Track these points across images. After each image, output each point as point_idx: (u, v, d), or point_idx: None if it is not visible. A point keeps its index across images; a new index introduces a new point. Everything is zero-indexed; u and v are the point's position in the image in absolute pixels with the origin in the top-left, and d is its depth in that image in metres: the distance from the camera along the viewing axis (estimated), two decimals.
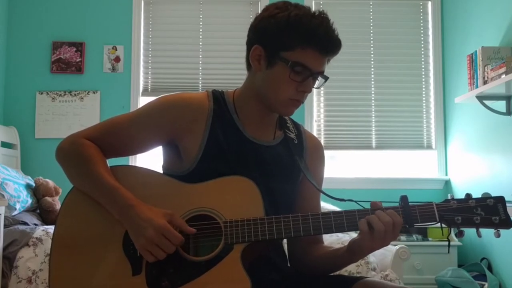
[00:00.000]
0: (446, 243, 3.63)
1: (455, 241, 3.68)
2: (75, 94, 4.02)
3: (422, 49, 4.24)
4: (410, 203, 1.19)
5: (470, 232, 1.21)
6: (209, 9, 4.22)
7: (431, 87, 4.20)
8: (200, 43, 4.19)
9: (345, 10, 4.27)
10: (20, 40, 4.07)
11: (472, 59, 3.30)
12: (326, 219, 1.19)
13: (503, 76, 2.91)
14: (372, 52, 4.23)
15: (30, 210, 3.20)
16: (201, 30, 4.21)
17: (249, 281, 1.16)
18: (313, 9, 1.29)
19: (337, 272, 1.35)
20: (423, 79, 4.23)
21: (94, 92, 4.03)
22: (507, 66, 2.90)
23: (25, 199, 3.14)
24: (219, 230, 1.21)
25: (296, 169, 1.37)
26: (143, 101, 4.03)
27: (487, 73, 3.11)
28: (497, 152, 3.36)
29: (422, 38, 4.24)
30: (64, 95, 4.02)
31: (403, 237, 3.66)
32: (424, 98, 4.22)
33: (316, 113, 4.19)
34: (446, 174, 4.11)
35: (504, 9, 3.27)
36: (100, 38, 4.09)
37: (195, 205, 1.24)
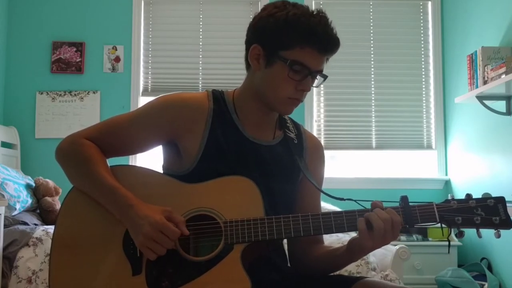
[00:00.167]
0: (446, 243, 3.63)
1: (455, 241, 3.68)
2: (75, 94, 4.02)
3: (422, 49, 4.24)
4: (410, 203, 1.18)
5: (470, 232, 1.21)
6: (209, 9, 4.22)
7: (431, 87, 4.20)
8: (200, 43, 4.19)
9: (345, 10, 4.27)
10: (20, 40, 4.07)
11: (472, 59, 3.30)
12: (326, 219, 1.19)
13: (503, 76, 2.91)
14: (372, 52, 4.23)
15: (30, 210, 3.20)
16: (201, 30, 4.21)
17: (249, 281, 1.16)
18: (312, 9, 1.29)
19: (337, 272, 1.35)
20: (423, 79, 4.23)
21: (94, 92, 4.03)
22: (507, 66, 2.90)
23: (25, 199, 3.14)
24: (219, 230, 1.21)
25: (296, 169, 1.37)
26: (143, 101, 4.03)
27: (487, 73, 3.11)
28: (497, 152, 3.36)
29: (422, 38, 4.25)
30: (64, 95, 4.02)
31: (403, 237, 3.66)
32: (424, 98, 4.22)
33: (316, 113, 4.19)
34: (446, 174, 4.11)
35: (504, 9, 3.27)
36: (100, 38, 4.09)
37: (195, 205, 1.24)
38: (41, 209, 3.26)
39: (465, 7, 3.84)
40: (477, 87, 3.22)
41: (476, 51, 3.25)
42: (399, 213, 1.17)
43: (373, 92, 4.21)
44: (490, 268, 3.39)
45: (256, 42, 1.29)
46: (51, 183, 3.35)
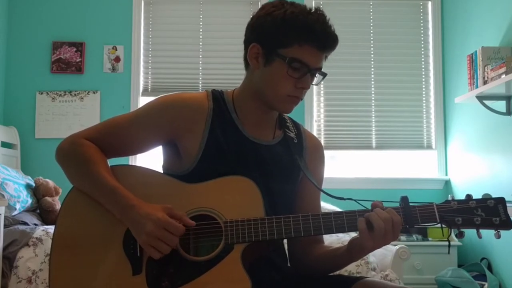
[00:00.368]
0: (446, 243, 3.63)
1: (455, 241, 3.68)
2: (75, 94, 4.02)
3: (422, 49, 4.24)
4: (410, 204, 1.18)
5: (470, 232, 1.21)
6: (209, 9, 4.22)
7: (431, 87, 4.20)
8: (200, 43, 4.19)
9: (345, 10, 4.27)
10: (20, 40, 4.07)
11: (472, 59, 3.30)
12: (326, 219, 1.19)
13: (503, 76, 2.91)
14: (372, 52, 4.23)
15: (30, 210, 3.20)
16: (201, 30, 4.21)
17: (249, 281, 1.16)
18: (310, 7, 1.29)
19: (337, 272, 1.35)
20: (423, 79, 4.23)
21: (94, 92, 4.03)
22: (507, 66, 2.90)
23: (25, 199, 3.14)
24: (220, 230, 1.21)
25: (296, 168, 1.37)
26: (143, 101, 4.03)
27: (487, 73, 3.11)
28: (497, 152, 3.36)
29: (422, 38, 4.25)
30: (64, 95, 4.02)
31: (403, 237, 3.67)
32: (424, 98, 4.22)
33: (316, 113, 4.19)
34: (446, 174, 4.11)
35: (504, 9, 3.27)
36: (100, 38, 4.09)
37: (195, 205, 1.24)
38: (41, 209, 3.26)
39: (465, 7, 3.84)
40: (477, 87, 3.22)
41: (476, 51, 3.25)
42: (399, 213, 1.17)
43: (373, 92, 4.21)
44: (490, 268, 3.39)
45: (255, 41, 1.30)
46: (51, 183, 3.35)
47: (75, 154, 1.30)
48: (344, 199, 1.33)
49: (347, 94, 4.23)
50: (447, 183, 4.09)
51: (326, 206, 2.81)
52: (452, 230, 1.17)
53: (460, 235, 1.18)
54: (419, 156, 4.23)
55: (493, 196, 1.18)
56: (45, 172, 3.48)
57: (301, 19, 1.24)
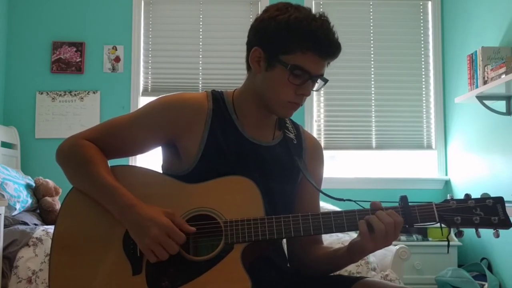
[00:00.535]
0: (446, 243, 3.64)
1: (455, 241, 3.68)
2: (75, 94, 4.02)
3: (422, 49, 4.24)
4: (409, 203, 1.19)
5: (470, 232, 1.21)
6: (209, 9, 4.22)
7: (431, 87, 4.20)
8: (200, 43, 4.19)
9: (345, 10, 4.27)
10: (20, 40, 4.07)
11: (472, 59, 3.30)
12: (326, 219, 1.20)
13: (503, 76, 2.91)
14: (372, 52, 4.23)
15: (30, 210, 3.20)
16: (201, 30, 4.21)
17: (249, 280, 1.16)
18: (313, 9, 1.29)
19: (337, 272, 1.35)
20: (423, 79, 4.23)
21: (94, 92, 4.04)
22: (507, 66, 2.90)
23: (25, 199, 3.14)
24: (219, 230, 1.21)
25: (295, 169, 1.37)
26: (143, 101, 4.03)
27: (487, 73, 3.11)
28: (497, 152, 3.36)
29: (422, 38, 4.25)
30: (64, 95, 4.02)
31: (403, 237, 3.66)
32: (424, 98, 4.22)
33: (316, 113, 4.19)
34: (446, 174, 4.11)
35: (504, 9, 3.27)
36: (100, 38, 4.09)
37: (195, 205, 1.24)
38: (41, 209, 3.26)
39: (465, 7, 3.84)
40: (477, 87, 3.22)
41: (476, 51, 3.25)
42: (398, 213, 1.17)
43: (373, 92, 4.21)
44: (490, 268, 3.39)
45: (257, 44, 1.29)
46: (51, 183, 3.35)
47: (75, 155, 1.30)
48: (344, 200, 1.34)
49: (347, 94, 4.23)
50: (447, 183, 4.09)
51: (326, 206, 2.81)
52: (452, 229, 1.17)
53: (459, 235, 1.19)
54: (419, 156, 4.22)
55: (492, 195, 1.18)
56: (45, 172, 3.48)
57: (304, 25, 1.23)
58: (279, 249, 1.39)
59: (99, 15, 4.12)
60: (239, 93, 1.39)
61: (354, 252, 1.21)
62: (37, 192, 3.30)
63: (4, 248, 2.57)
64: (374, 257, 2.52)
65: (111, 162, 1.33)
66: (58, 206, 3.24)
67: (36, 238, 2.63)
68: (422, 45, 4.24)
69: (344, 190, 3.61)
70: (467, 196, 1.18)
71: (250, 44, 1.32)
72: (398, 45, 4.25)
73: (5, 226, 2.68)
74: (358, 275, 1.80)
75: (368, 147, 4.19)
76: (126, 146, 1.36)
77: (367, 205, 1.21)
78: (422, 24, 4.26)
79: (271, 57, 1.27)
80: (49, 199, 3.27)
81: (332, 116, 4.22)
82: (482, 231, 1.17)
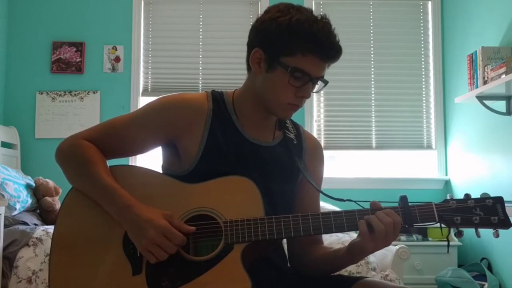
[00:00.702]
0: (446, 243, 3.64)
1: (455, 241, 3.68)
2: (75, 94, 4.02)
3: (422, 49, 4.24)
4: (409, 203, 1.19)
5: (470, 232, 1.21)
6: (209, 9, 4.22)
7: (431, 87, 4.20)
8: (200, 43, 4.19)
9: (345, 10, 4.27)
10: (20, 40, 4.08)
11: (472, 59, 3.30)
12: (326, 219, 1.20)
13: (503, 76, 2.91)
14: (372, 52, 4.23)
15: (30, 210, 3.20)
16: (201, 30, 4.21)
17: (249, 281, 1.16)
18: (313, 9, 1.29)
19: (337, 272, 1.35)
20: (423, 79, 4.23)
21: (94, 92, 4.04)
22: (507, 66, 2.90)
23: (25, 199, 3.14)
24: (219, 230, 1.21)
25: (295, 169, 1.37)
26: (143, 101, 4.03)
27: (487, 73, 3.11)
28: (497, 152, 3.36)
29: (422, 38, 4.25)
30: (64, 95, 4.02)
31: (403, 237, 3.66)
32: (424, 98, 4.22)
33: (316, 113, 4.19)
34: (446, 174, 4.11)
35: (504, 9, 3.27)
36: (100, 38, 4.09)
37: (195, 205, 1.24)
38: (41, 209, 3.26)
39: (465, 7, 3.84)
40: (477, 87, 3.22)
41: (476, 51, 3.25)
42: (398, 213, 1.17)
43: (373, 92, 4.21)
44: (490, 268, 3.39)
45: (258, 46, 1.29)
46: (51, 183, 3.35)
47: (75, 154, 1.30)
48: (344, 200, 1.34)
49: (347, 94, 4.23)
50: (447, 183, 4.09)
51: (326, 206, 2.81)
52: (451, 229, 1.17)
53: (459, 234, 1.19)
54: (419, 156, 4.22)
55: (492, 195, 1.18)
56: (45, 172, 3.48)
57: (306, 27, 1.22)
58: (279, 249, 1.39)
59: (99, 15, 4.12)
60: (239, 94, 1.39)
61: (354, 252, 1.21)
62: (37, 192, 3.30)
63: (4, 248, 2.57)
64: (374, 257, 2.52)
65: (111, 162, 1.33)
66: (58, 206, 3.24)
67: (36, 238, 2.63)
68: (422, 45, 4.24)
69: (344, 190, 3.61)
70: (467, 196, 1.18)
71: (250, 45, 1.32)
72: (398, 45, 4.25)
73: (5, 226, 2.68)
74: (358, 275, 1.80)
75: (368, 147, 4.19)
76: (126, 146, 1.36)
77: (367, 205, 1.21)
78: (422, 24, 4.26)
79: (271, 59, 1.27)
80: (49, 199, 3.27)
81: (332, 116, 4.22)
82: (482, 231, 1.17)
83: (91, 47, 4.08)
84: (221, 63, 4.15)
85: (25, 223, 2.92)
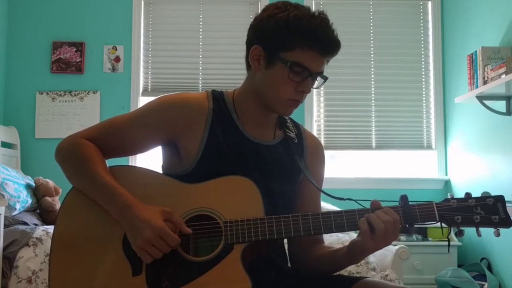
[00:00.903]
0: (446, 243, 3.64)
1: (455, 241, 3.68)
2: (75, 94, 4.02)
3: (422, 49, 4.24)
4: (410, 203, 1.19)
5: (470, 232, 1.21)
6: (209, 9, 4.22)
7: (431, 87, 4.20)
8: (200, 43, 4.19)
9: (345, 10, 4.27)
10: (20, 40, 4.07)
11: (472, 59, 3.30)
12: (326, 219, 1.19)
13: (503, 76, 2.91)
14: (372, 52, 4.23)
15: (30, 210, 3.20)
16: (201, 30, 4.21)
17: (249, 281, 1.16)
18: (313, 9, 1.29)
19: (337, 272, 1.35)
20: (423, 79, 4.23)
21: (94, 92, 4.03)
22: (507, 66, 2.90)
23: (25, 199, 3.14)
24: (219, 230, 1.21)
25: (296, 169, 1.37)
26: (143, 101, 4.03)
27: (487, 73, 3.11)
28: (497, 152, 3.36)
29: (422, 38, 4.25)
30: (64, 95, 4.02)
31: (403, 237, 3.66)
32: (424, 98, 4.22)
33: (316, 113, 4.19)
34: (446, 174, 4.11)
35: (504, 9, 3.27)
36: (100, 38, 4.09)
37: (195, 205, 1.24)
38: (41, 209, 3.26)
39: (465, 7, 3.84)
40: (477, 87, 3.22)
41: (476, 51, 3.25)
42: (398, 212, 1.17)
43: (373, 92, 4.21)
44: (490, 268, 3.39)
45: (257, 43, 1.30)
46: (51, 183, 3.35)
47: (74, 153, 1.29)
48: (344, 199, 1.33)
49: (347, 94, 4.23)
50: (447, 183, 4.09)
51: (326, 206, 2.81)
52: (452, 228, 1.17)
53: (459, 234, 1.18)
54: (419, 156, 4.22)
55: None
56: (45, 172, 3.48)
57: (304, 23, 1.23)
58: (280, 249, 1.38)
59: (99, 15, 4.12)
60: (239, 93, 1.39)
61: (355, 252, 1.21)
62: (37, 192, 3.30)
63: (4, 248, 2.57)
64: (374, 257, 2.53)
65: (111, 162, 1.33)
66: (58, 206, 3.24)
67: (36, 238, 2.63)
68: (422, 45, 4.24)
69: (344, 190, 3.60)
70: (468, 195, 1.18)
71: (249, 43, 1.32)
72: (398, 45, 4.25)
73: (5, 226, 2.68)
74: (358, 275, 1.80)
75: (368, 147, 4.19)
76: (125, 145, 1.35)
77: (367, 204, 1.21)
78: (422, 24, 4.26)
79: (271, 55, 1.27)
80: (49, 199, 3.27)
81: (332, 116, 4.22)
82: (482, 231, 1.17)
83: (91, 47, 4.08)
84: (221, 63, 4.15)
85: (25, 223, 2.92)
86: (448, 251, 3.62)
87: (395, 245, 2.63)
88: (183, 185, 1.27)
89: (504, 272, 3.29)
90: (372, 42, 4.24)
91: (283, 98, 1.29)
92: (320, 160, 1.46)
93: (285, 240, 1.40)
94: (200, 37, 4.20)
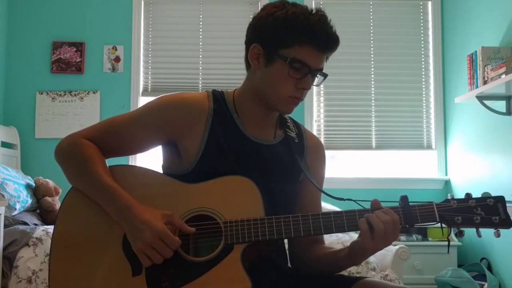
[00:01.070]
0: (446, 243, 3.64)
1: (455, 241, 3.68)
2: (75, 94, 4.02)
3: (422, 49, 4.24)
4: (410, 203, 1.18)
5: (470, 232, 1.21)
6: (209, 9, 4.22)
7: (431, 87, 4.20)
8: (200, 43, 4.19)
9: (345, 10, 4.27)
10: (20, 40, 4.07)
11: (472, 59, 3.30)
12: (326, 219, 1.19)
13: (503, 76, 2.91)
14: (372, 52, 4.23)
15: (30, 210, 3.20)
16: (201, 30, 4.21)
17: (249, 281, 1.16)
18: (312, 8, 1.29)
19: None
20: (423, 79, 4.23)
21: (94, 92, 4.03)
22: (507, 66, 2.90)
23: (25, 199, 3.14)
24: (219, 230, 1.20)
25: (296, 168, 1.37)
26: (143, 101, 4.03)
27: (487, 73, 3.11)
28: (497, 152, 3.36)
29: (422, 38, 4.25)
30: (64, 95, 4.02)
31: (403, 237, 3.66)
32: (424, 98, 4.22)
33: (316, 113, 4.19)
34: (446, 174, 4.11)
35: (504, 9, 3.27)
36: (100, 38, 4.09)
37: (195, 205, 1.24)
38: (41, 209, 3.26)
39: (465, 7, 3.84)
40: (477, 87, 3.22)
41: (476, 51, 3.25)
42: (398, 212, 1.17)
43: (373, 92, 4.21)
44: (490, 268, 3.39)
45: (256, 41, 1.30)
46: (51, 183, 3.35)
47: (74, 153, 1.29)
48: (344, 199, 1.33)
49: (347, 94, 4.23)
50: (447, 183, 4.09)
51: (326, 206, 2.81)
52: (452, 229, 1.17)
53: (459, 234, 1.18)
54: (419, 156, 4.22)
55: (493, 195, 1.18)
56: (45, 172, 3.48)
57: (302, 20, 1.24)
58: (280, 249, 1.38)
59: (99, 15, 4.12)
60: (239, 93, 1.39)
61: (355, 253, 1.21)
62: (37, 192, 3.30)
63: (4, 248, 2.57)
64: (374, 257, 2.52)
65: (110, 161, 1.33)
66: (58, 206, 3.24)
67: (36, 238, 2.63)
68: (422, 45, 4.24)
69: (344, 190, 3.59)
70: (468, 195, 1.18)
71: (249, 42, 1.33)
72: (398, 45, 4.25)
73: (5, 226, 2.68)
74: (358, 275, 1.80)
75: (368, 147, 4.19)
76: (125, 145, 1.35)
77: (367, 205, 1.21)
78: (422, 24, 4.26)
79: (270, 53, 1.27)
80: (49, 199, 3.27)
81: (332, 116, 4.22)
82: (482, 231, 1.17)
83: (91, 47, 4.08)
84: (221, 63, 4.15)
85: (25, 223, 2.92)
86: (448, 251, 3.62)
87: (395, 245, 2.63)
88: (183, 185, 1.27)
89: (504, 272, 3.29)
90: (372, 42, 4.24)
91: (284, 96, 1.29)
92: (320, 160, 1.46)
93: (285, 240, 1.40)
94: (200, 37, 4.20)
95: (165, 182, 1.30)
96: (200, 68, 4.18)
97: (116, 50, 4.09)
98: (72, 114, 4.00)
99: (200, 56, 4.19)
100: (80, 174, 1.28)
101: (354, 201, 1.28)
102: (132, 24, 4.12)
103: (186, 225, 1.20)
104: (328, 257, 1.32)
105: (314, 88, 4.03)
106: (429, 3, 4.25)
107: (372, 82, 4.21)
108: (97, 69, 4.07)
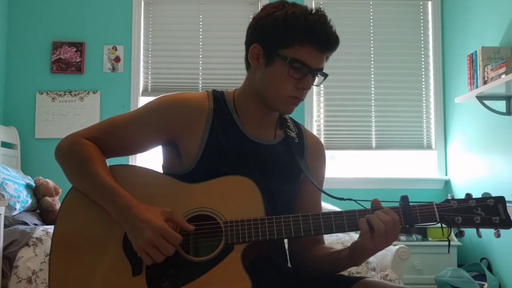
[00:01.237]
0: (446, 243, 3.64)
1: (455, 241, 3.68)
2: (75, 94, 4.02)
3: (422, 49, 4.24)
4: (410, 203, 1.18)
5: (470, 232, 1.21)
6: (209, 9, 4.22)
7: (431, 87, 4.20)
8: (200, 43, 4.19)
9: (345, 10, 4.27)
10: (20, 40, 4.07)
11: (472, 59, 3.30)
12: (326, 219, 1.19)
13: (503, 76, 2.91)
14: (372, 52, 4.23)
15: (30, 210, 3.20)
16: (201, 30, 4.21)
17: (249, 281, 1.16)
18: (311, 8, 1.29)
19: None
20: (423, 79, 4.23)
21: (94, 92, 4.03)
22: (507, 66, 2.90)
23: (25, 199, 3.14)
24: (220, 230, 1.20)
25: (296, 168, 1.37)
26: (143, 101, 4.03)
27: (487, 73, 3.11)
28: (497, 152, 3.36)
29: (422, 38, 4.25)
30: (64, 95, 4.02)
31: (403, 237, 3.67)
32: (424, 98, 4.22)
33: (316, 113, 4.19)
34: (446, 174, 4.11)
35: (504, 9, 3.27)
36: (100, 38, 4.09)
37: (195, 205, 1.24)
38: (41, 209, 3.26)
39: (465, 7, 3.84)
40: (477, 87, 3.22)
41: (476, 51, 3.25)
42: (398, 212, 1.17)
43: (373, 92, 4.21)
44: (490, 268, 3.39)
45: (256, 41, 1.30)
46: (51, 183, 3.35)
47: (74, 153, 1.29)
48: (344, 199, 1.33)
49: (347, 94, 4.23)
50: (447, 183, 4.09)
51: (326, 206, 2.81)
52: (452, 229, 1.17)
53: (459, 235, 1.18)
54: (419, 156, 4.22)
55: (493, 195, 1.18)
56: (45, 172, 3.48)
57: (302, 20, 1.24)
58: (280, 249, 1.38)
59: (99, 15, 4.12)
60: (239, 93, 1.39)
61: (356, 253, 1.21)
62: (37, 192, 3.30)
63: (4, 248, 2.57)
64: (374, 257, 2.52)
65: (111, 161, 1.33)
66: (58, 206, 3.24)
67: (36, 238, 2.63)
68: (422, 45, 4.24)
69: (344, 190, 3.59)
70: (468, 195, 1.18)
71: (248, 43, 1.33)
72: (398, 45, 4.25)
73: (5, 226, 2.68)
74: (358, 275, 1.80)
75: (368, 147, 4.19)
76: (125, 145, 1.35)
77: (367, 204, 1.21)
78: (422, 24, 4.26)
79: (270, 53, 1.28)
80: (49, 199, 3.27)
81: (332, 116, 4.22)
82: (482, 231, 1.17)
83: (91, 47, 4.08)
84: (221, 63, 4.15)
85: (25, 223, 2.92)
86: (448, 251, 3.62)
87: (395, 245, 2.63)
88: (183, 185, 1.27)
89: (504, 272, 3.29)
90: (372, 42, 4.24)
91: (284, 96, 1.29)
92: (320, 160, 1.46)
93: (285, 240, 1.40)
94: (200, 37, 4.20)
95: (165, 182, 1.30)
96: (200, 68, 4.18)
97: (116, 50, 4.09)
98: (72, 114, 4.00)
99: (200, 56, 4.19)
100: (80, 174, 1.28)
101: (355, 201, 1.28)
102: (132, 24, 4.12)
103: (186, 222, 1.20)
104: (328, 257, 1.32)
105: (314, 88, 4.03)
106: (429, 3, 4.25)
107: (372, 82, 4.21)
108: (97, 69, 4.07)
